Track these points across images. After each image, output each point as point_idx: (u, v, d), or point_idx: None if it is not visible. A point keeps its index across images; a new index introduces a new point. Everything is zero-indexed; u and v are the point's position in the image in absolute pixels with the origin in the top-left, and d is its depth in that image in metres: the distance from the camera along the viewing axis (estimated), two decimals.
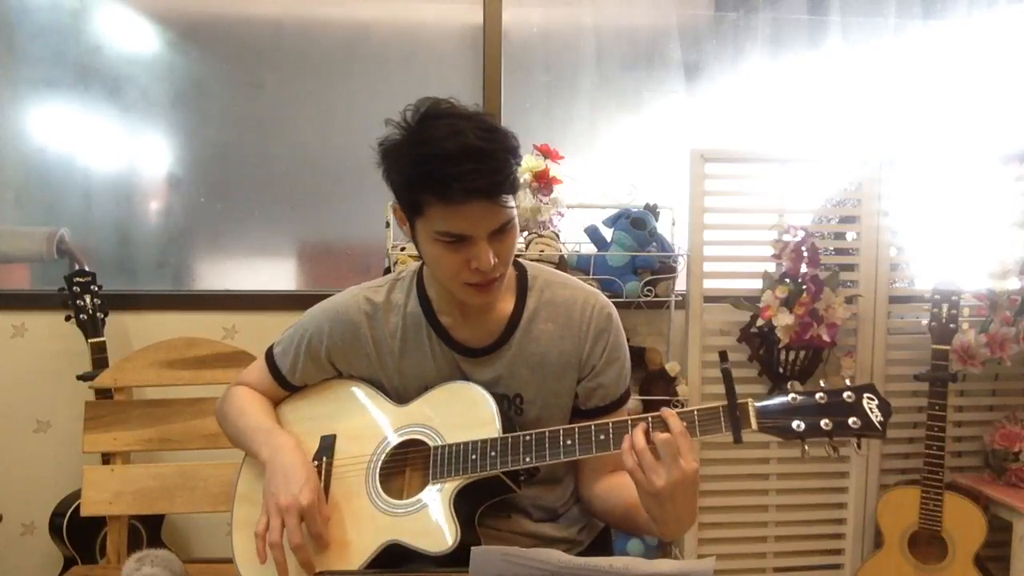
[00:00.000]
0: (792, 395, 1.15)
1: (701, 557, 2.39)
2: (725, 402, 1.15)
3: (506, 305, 1.35)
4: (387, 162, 1.23)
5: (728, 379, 1.16)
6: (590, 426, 1.23)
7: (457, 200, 1.14)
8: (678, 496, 1.12)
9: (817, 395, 1.14)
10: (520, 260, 1.41)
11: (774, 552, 2.60)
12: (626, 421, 1.20)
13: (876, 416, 1.12)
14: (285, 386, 1.46)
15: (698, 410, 1.16)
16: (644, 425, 1.16)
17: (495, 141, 1.17)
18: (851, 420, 1.12)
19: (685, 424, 1.14)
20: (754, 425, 1.14)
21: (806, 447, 1.15)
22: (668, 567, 0.99)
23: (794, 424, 1.13)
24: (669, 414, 1.14)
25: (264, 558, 1.23)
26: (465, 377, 1.35)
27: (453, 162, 1.13)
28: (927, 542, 2.35)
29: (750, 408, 1.15)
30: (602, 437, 1.21)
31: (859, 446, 1.17)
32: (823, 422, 1.13)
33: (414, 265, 1.42)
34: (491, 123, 1.19)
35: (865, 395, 1.14)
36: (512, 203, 1.21)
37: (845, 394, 1.14)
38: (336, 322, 1.39)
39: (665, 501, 1.12)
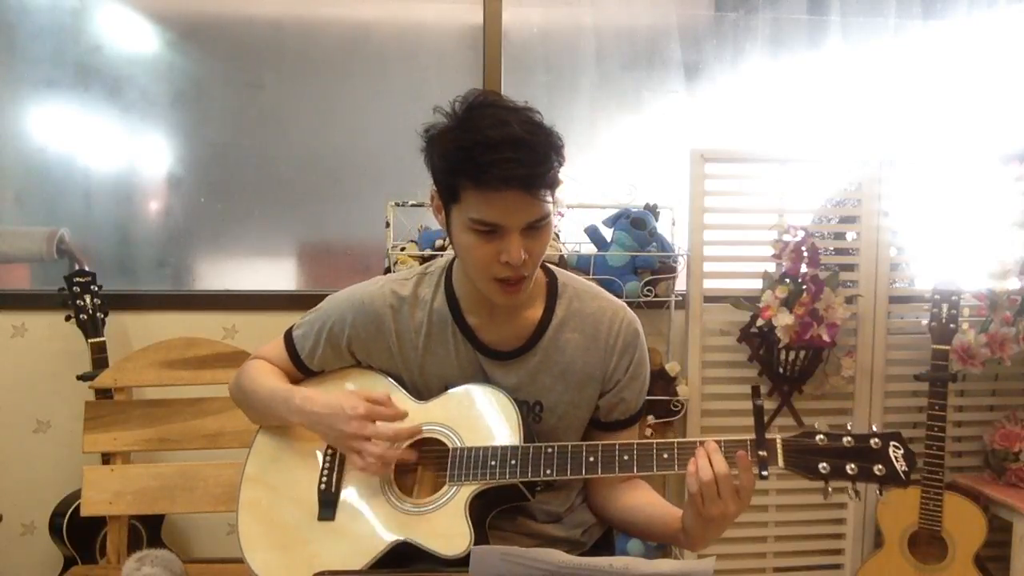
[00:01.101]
0: (819, 436, 1.16)
1: (701, 557, 2.39)
2: (753, 436, 1.15)
3: (535, 311, 1.34)
4: (431, 148, 1.24)
5: (759, 415, 1.16)
6: (614, 446, 1.23)
7: (493, 187, 1.15)
8: (725, 520, 1.15)
9: (844, 439, 1.15)
10: (551, 266, 1.40)
11: (774, 552, 2.60)
12: (652, 444, 1.21)
13: (900, 465, 1.13)
14: (301, 368, 1.44)
15: (726, 442, 1.16)
16: (709, 455, 1.15)
17: (538, 135, 1.17)
18: (876, 468, 1.13)
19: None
20: (781, 463, 1.15)
21: (829, 489, 1.16)
22: (668, 567, 1.00)
23: (820, 466, 1.14)
24: (745, 465, 1.13)
25: (379, 474, 1.27)
26: (487, 379, 1.34)
27: (493, 149, 1.13)
28: (927, 542, 2.35)
29: (778, 446, 1.16)
30: (625, 458, 1.22)
31: (881, 492, 1.19)
32: (849, 467, 1.14)
33: (443, 261, 1.41)
34: (537, 118, 1.20)
35: (892, 443, 1.14)
36: (549, 199, 1.20)
37: (872, 440, 1.15)
38: (360, 313, 1.38)
39: (711, 524, 1.16)
